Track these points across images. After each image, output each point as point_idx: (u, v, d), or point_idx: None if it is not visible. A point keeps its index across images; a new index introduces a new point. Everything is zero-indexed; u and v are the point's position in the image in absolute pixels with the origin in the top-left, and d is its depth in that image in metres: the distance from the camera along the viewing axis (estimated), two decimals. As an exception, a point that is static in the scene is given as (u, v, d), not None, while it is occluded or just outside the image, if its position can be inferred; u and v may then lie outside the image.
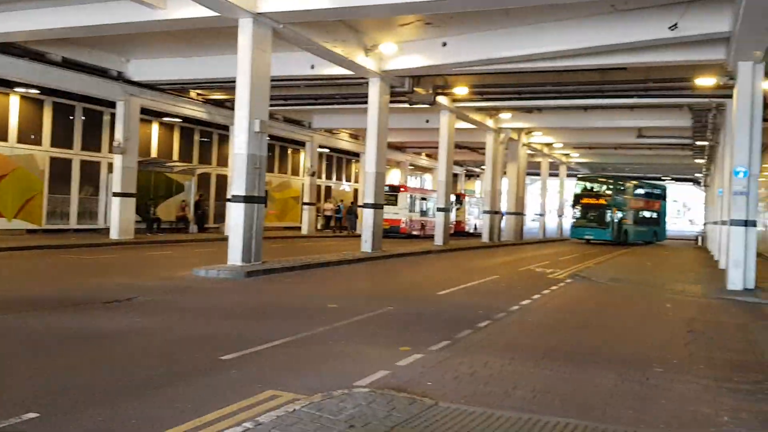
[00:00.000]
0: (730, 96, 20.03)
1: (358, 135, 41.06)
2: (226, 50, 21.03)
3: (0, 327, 8.68)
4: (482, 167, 47.22)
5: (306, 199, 37.38)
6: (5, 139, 23.68)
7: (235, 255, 15.97)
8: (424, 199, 40.48)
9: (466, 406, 5.74)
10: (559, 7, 16.59)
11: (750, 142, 16.16)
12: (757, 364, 8.16)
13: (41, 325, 8.84)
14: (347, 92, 26.28)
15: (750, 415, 6.00)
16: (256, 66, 15.94)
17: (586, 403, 6.15)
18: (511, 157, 38.43)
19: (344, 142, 41.30)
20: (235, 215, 16.16)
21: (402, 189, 38.94)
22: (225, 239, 17.81)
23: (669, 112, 29.14)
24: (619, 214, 40.64)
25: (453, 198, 38.11)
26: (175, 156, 31.43)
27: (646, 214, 45.60)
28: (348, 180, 46.46)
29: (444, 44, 19.62)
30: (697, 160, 42.86)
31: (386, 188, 28.22)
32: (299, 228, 37.69)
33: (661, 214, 48.54)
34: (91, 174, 26.91)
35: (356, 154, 44.72)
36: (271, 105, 20.18)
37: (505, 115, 32.70)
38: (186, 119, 30.53)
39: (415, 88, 23.59)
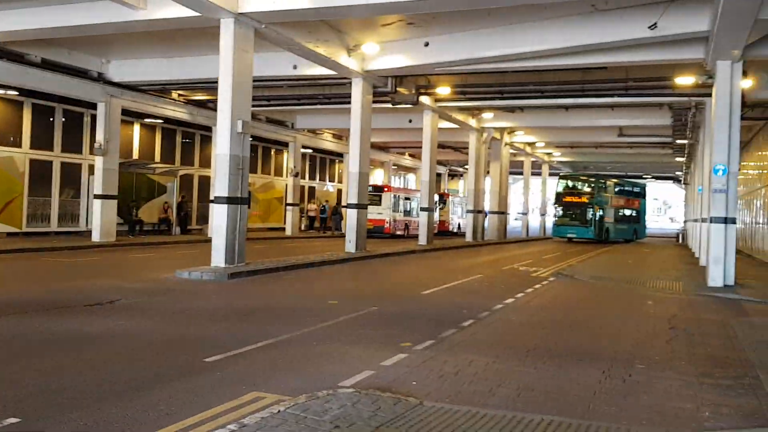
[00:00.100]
0: (709, 95, 20.24)
1: (341, 135, 41.02)
2: (207, 51, 20.97)
3: (-20, 331, 8.59)
4: (465, 167, 47.40)
5: (290, 200, 37.27)
6: (-16, 142, 23.45)
7: (218, 256, 15.90)
8: (407, 198, 40.54)
9: (450, 405, 5.76)
10: (540, 7, 16.66)
11: (729, 141, 16.33)
12: (737, 359, 8.25)
13: (22, 329, 8.75)
14: (330, 92, 26.24)
15: (731, 410, 6.07)
16: (238, 66, 15.88)
17: (570, 401, 6.20)
18: (493, 156, 38.55)
19: (327, 143, 41.25)
20: (218, 216, 16.10)
21: (386, 189, 38.96)
22: (208, 241, 17.74)
23: (649, 111, 29.36)
24: (601, 213, 40.95)
25: (437, 198, 38.18)
26: (157, 157, 31.23)
27: (627, 212, 46.00)
28: (332, 180, 46.41)
29: (426, 44, 19.66)
30: (677, 159, 43.22)
31: (370, 188, 28.23)
32: (283, 229, 37.60)
33: (641, 212, 48.99)
34: (72, 176, 26.69)
35: (340, 155, 44.69)
36: (254, 105, 20.16)
37: (487, 115, 32.81)
38: (168, 120, 30.36)
39: (397, 88, 23.61)
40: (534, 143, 43.37)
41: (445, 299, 12.93)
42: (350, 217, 22.72)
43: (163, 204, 30.80)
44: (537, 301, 13.10)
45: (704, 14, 15.05)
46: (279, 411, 5.33)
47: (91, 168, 25.99)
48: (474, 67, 20.63)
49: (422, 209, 30.17)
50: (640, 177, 63.07)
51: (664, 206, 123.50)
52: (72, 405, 5.61)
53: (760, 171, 26.99)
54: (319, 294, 13.20)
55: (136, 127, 30.08)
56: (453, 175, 65.55)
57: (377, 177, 49.42)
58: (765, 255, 24.46)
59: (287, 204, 37.68)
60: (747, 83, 18.49)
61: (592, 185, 42.25)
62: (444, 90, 25.32)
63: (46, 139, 25.73)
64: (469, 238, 35.09)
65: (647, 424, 5.60)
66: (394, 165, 51.88)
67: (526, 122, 33.67)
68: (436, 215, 38.81)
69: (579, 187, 42.81)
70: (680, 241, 46.63)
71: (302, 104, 28.90)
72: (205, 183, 32.67)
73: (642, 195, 49.74)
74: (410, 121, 32.26)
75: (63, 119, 26.30)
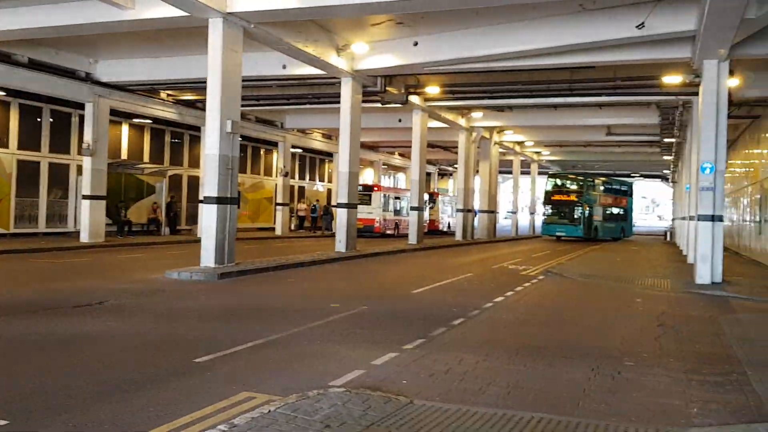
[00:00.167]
0: (696, 93, 20.38)
1: (331, 135, 40.98)
2: (196, 50, 20.88)
3: (-32, 333, 8.55)
4: (455, 166, 47.51)
5: (279, 200, 37.21)
6: (-29, 142, 23.30)
7: (207, 257, 15.86)
8: (397, 198, 40.57)
9: (441, 404, 5.78)
10: (528, 7, 16.71)
11: (716, 139, 16.45)
12: (725, 356, 8.31)
13: (11, 331, 8.71)
14: (319, 92, 26.24)
15: (719, 406, 6.12)
16: (227, 66, 15.85)
17: (560, 398, 6.23)
18: (483, 155, 38.63)
19: (317, 142, 41.21)
20: (208, 217, 16.06)
21: (376, 188, 38.96)
22: (197, 241, 17.69)
23: (637, 109, 29.51)
24: (590, 211, 41.09)
25: (426, 197, 38.23)
26: (146, 157, 31.10)
27: (615, 210, 46.12)
28: (321, 180, 46.37)
29: (415, 44, 19.68)
30: (664, 157, 43.45)
31: (360, 188, 28.21)
32: (273, 229, 37.54)
33: (628, 210, 49.14)
34: (60, 176, 26.54)
35: (329, 154, 44.67)
36: (243, 105, 20.11)
37: (476, 114, 32.88)
38: (156, 120, 30.25)
39: (387, 88, 23.62)
40: (523, 142, 43.49)
41: (435, 298, 12.95)
42: (340, 216, 22.72)
43: (152, 204, 30.67)
44: (526, 300, 13.15)
45: (691, 14, 15.14)
46: (269, 411, 5.33)
47: (80, 168, 25.85)
48: (463, 66, 20.67)
49: (412, 208, 30.19)
50: (629, 175, 63.35)
51: (653, 204, 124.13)
52: (61, 406, 5.59)
53: (747, 169, 27.18)
54: (310, 294, 13.20)
55: (125, 128, 29.95)
56: (443, 175, 65.65)
57: (367, 176, 49.42)
58: (752, 252, 24.64)
59: (277, 204, 37.62)
60: (733, 82, 18.61)
61: (581, 184, 42.35)
62: (433, 89, 25.37)
63: (34, 139, 25.58)
64: (458, 237, 35.15)
65: (636, 421, 5.63)
66: (383, 164, 51.91)
67: (515, 121, 33.75)
68: (426, 214, 38.87)
69: (568, 185, 42.90)
70: (668, 239, 46.89)
71: (292, 104, 28.88)
72: (194, 183, 32.57)
73: (629, 193, 49.95)
74: (400, 120, 32.29)
75: (51, 119, 26.15)
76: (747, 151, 27.44)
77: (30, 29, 18.14)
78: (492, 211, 40.56)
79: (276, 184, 38.24)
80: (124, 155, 29.69)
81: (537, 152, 49.60)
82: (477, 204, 39.78)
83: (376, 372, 6.94)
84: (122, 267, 17.56)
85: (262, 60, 20.86)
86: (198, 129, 30.90)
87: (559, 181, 43.56)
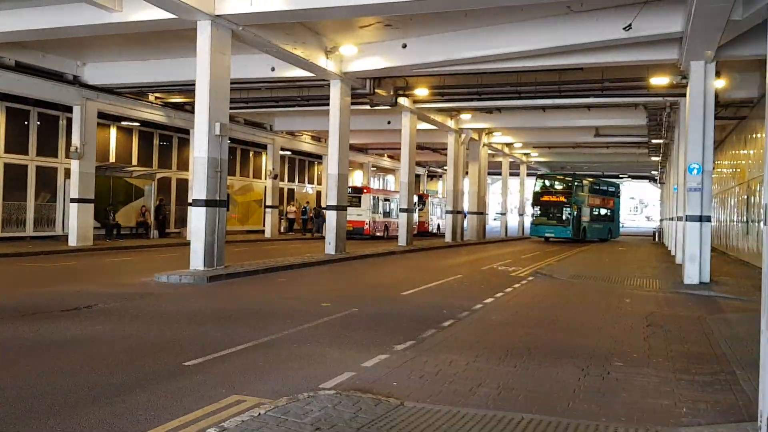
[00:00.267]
0: (683, 95, 20.50)
1: (320, 137, 41.02)
2: (184, 53, 20.88)
3: (-45, 338, 8.48)
4: (444, 168, 47.57)
5: (269, 202, 37.17)
6: (-43, 146, 23.12)
7: (197, 260, 15.82)
8: (387, 200, 40.57)
9: (431, 405, 5.79)
10: (516, 9, 16.78)
11: (703, 140, 16.56)
12: (713, 355, 8.36)
13: (-2, 335, 8.66)
14: (308, 94, 26.24)
15: (708, 406, 6.15)
16: (215, 69, 15.82)
17: (550, 399, 6.24)
18: (472, 157, 38.72)
19: (306, 145, 41.18)
20: (197, 220, 16.01)
21: (365, 190, 38.96)
22: (187, 244, 17.64)
23: (625, 111, 29.66)
24: (578, 212, 41.14)
25: (416, 199, 38.27)
26: (135, 160, 30.98)
27: (602, 211, 46.21)
28: (311, 182, 46.33)
29: (404, 46, 19.71)
30: (652, 158, 43.67)
31: (349, 190, 28.22)
32: (262, 231, 37.48)
33: (616, 211, 49.26)
34: (47, 180, 26.39)
35: (319, 156, 44.65)
36: (232, 108, 20.04)
37: (465, 116, 32.97)
38: (145, 123, 30.15)
39: (376, 90, 23.65)
40: (512, 144, 43.63)
41: (426, 300, 12.96)
42: (329, 218, 22.70)
43: (140, 207, 30.56)
44: (516, 301, 13.18)
45: (678, 16, 15.25)
46: (259, 414, 5.32)
47: (67, 172, 25.70)
48: (452, 68, 20.74)
49: (402, 210, 30.20)
50: (617, 177, 63.64)
51: (641, 205, 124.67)
52: (49, 411, 5.56)
53: (734, 170, 27.35)
54: (299, 296, 13.17)
55: (113, 130, 29.82)
56: (432, 176, 65.74)
57: (356, 178, 49.46)
58: (739, 252, 24.79)
59: (266, 206, 37.57)
60: (720, 83, 18.76)
61: (570, 184, 42.39)
62: (422, 91, 25.42)
63: (21, 142, 25.42)
64: (448, 238, 35.21)
65: (626, 421, 5.65)
66: (373, 166, 51.94)
67: (503, 123, 33.84)
68: (416, 216, 38.89)
69: (556, 186, 42.94)
70: (657, 239, 47.09)
71: (280, 106, 28.86)
72: (183, 186, 32.50)
73: (616, 194, 50.12)
74: (389, 122, 32.34)
75: (38, 123, 26.00)
76: (734, 151, 27.62)
77: (16, 32, 18.03)
78: (481, 213, 40.64)
79: (265, 187, 38.20)
80: (112, 158, 29.56)
81: (526, 154, 49.76)
82: (466, 206, 39.87)
83: (367, 374, 6.93)
84: (111, 270, 17.48)
85: (250, 62, 20.83)
86: (187, 132, 30.84)
87: (547, 182, 43.59)
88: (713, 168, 18.78)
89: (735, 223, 26.28)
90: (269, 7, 15.18)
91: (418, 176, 57.25)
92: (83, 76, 24.47)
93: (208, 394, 6.10)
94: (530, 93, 24.26)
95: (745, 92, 20.93)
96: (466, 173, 39.00)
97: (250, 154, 39.41)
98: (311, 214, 40.83)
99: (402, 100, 26.49)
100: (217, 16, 15.44)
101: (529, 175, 55.24)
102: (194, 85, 16.17)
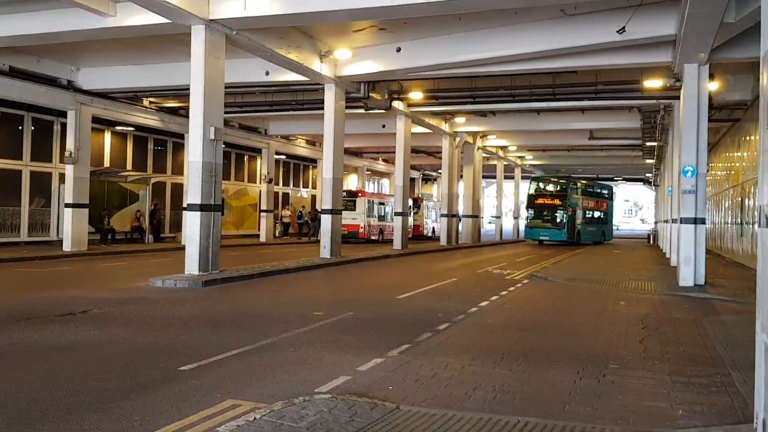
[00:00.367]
0: (677, 97, 20.58)
1: (315, 141, 41.03)
2: (179, 57, 20.86)
3: (-51, 344, 8.44)
4: (439, 171, 47.58)
5: (264, 207, 37.14)
6: (-49, 151, 23.04)
7: (192, 264, 15.79)
8: (382, 203, 40.57)
9: (427, 409, 5.78)
10: (510, 13, 16.82)
11: (697, 142, 16.60)
12: (708, 357, 8.37)
13: (-8, 341, 8.61)
14: (303, 98, 26.25)
15: (704, 408, 6.15)
16: (209, 73, 15.81)
17: (546, 402, 6.24)
18: (466, 160, 38.76)
19: (301, 149, 41.18)
20: (192, 224, 15.99)
21: (360, 194, 38.96)
22: (182, 248, 17.60)
23: (619, 114, 29.74)
24: (573, 215, 41.07)
25: (411, 202, 38.27)
26: (129, 165, 30.91)
27: (596, 214, 46.14)
28: (306, 186, 46.30)
29: (398, 50, 19.74)
30: (647, 161, 43.80)
31: (344, 194, 28.20)
32: (257, 235, 37.42)
33: (609, 214, 49.23)
34: (42, 185, 26.31)
35: (313, 160, 44.62)
36: (227, 112, 20.07)
37: (460, 119, 32.96)
38: (139, 128, 30.09)
39: (370, 94, 23.66)
40: (506, 147, 43.71)
41: (421, 303, 12.95)
42: (325, 222, 22.70)
43: (135, 212, 30.50)
44: (512, 304, 13.18)
45: (671, 18, 15.30)
46: (255, 418, 5.31)
47: (62, 177, 25.64)
48: (446, 71, 20.75)
49: (396, 214, 30.21)
50: (612, 179, 63.76)
51: (635, 208, 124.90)
52: (43, 417, 5.53)
53: (728, 172, 27.43)
54: (295, 300, 13.15)
55: (107, 135, 29.75)
56: (427, 180, 65.79)
57: (351, 182, 49.46)
58: (734, 254, 24.85)
59: (261, 210, 37.53)
60: (714, 86, 18.83)
61: (564, 187, 42.32)
62: (416, 95, 25.44)
63: (15, 147, 25.35)
64: (443, 242, 35.23)
65: (622, 424, 5.65)
66: (368, 170, 51.96)
67: (498, 126, 33.90)
68: (411, 220, 38.90)
69: (551, 188, 42.87)
70: (651, 242, 47.14)
71: (275, 110, 28.86)
72: (177, 190, 32.43)
73: (610, 197, 50.11)
74: (383, 126, 32.35)
75: (32, 127, 25.92)
76: (728, 153, 27.70)
77: (10, 37, 18.01)
78: (476, 216, 40.67)
79: (260, 191, 38.18)
80: (106, 163, 29.49)
81: (520, 157, 49.82)
82: (461, 209, 39.89)
83: (362, 378, 6.92)
84: (106, 275, 17.44)
85: (245, 66, 20.86)
86: (181, 136, 30.79)
87: (542, 185, 43.48)
88: (707, 170, 18.81)
89: (729, 225, 26.35)
90: (263, 12, 15.18)
91: (412, 180, 57.29)
92: (77, 81, 24.45)
93: (203, 398, 6.08)
94: (524, 96, 24.29)
95: (738, 94, 21.01)
96: (461, 176, 39.04)
97: (245, 159, 39.37)
98: (307, 218, 40.78)
99: (396, 104, 26.51)
100: (212, 20, 15.45)
101: (523, 178, 55.32)
102: (189, 89, 16.17)
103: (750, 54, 15.73)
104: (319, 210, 26.51)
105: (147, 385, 6.55)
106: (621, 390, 6.71)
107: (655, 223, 54.49)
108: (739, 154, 24.42)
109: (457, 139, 35.23)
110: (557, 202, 41.02)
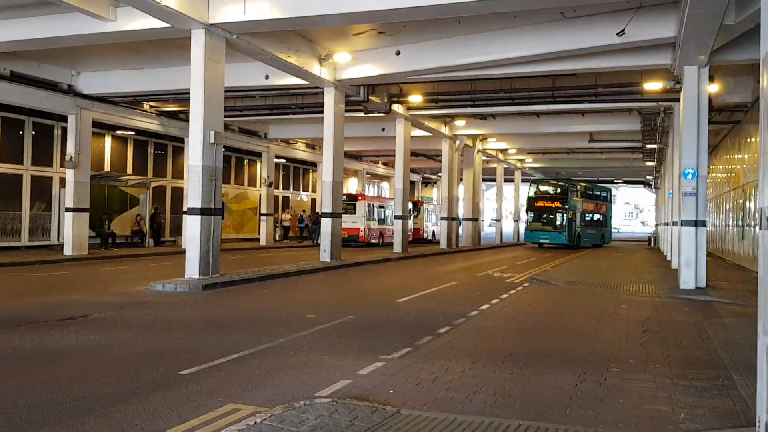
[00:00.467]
0: (677, 99, 20.58)
1: (314, 144, 41.05)
2: (179, 61, 20.89)
3: (-51, 349, 8.43)
4: (439, 174, 47.60)
5: (264, 210, 37.14)
6: (-49, 156, 23.06)
7: (192, 268, 15.78)
8: (382, 207, 40.57)
9: (428, 413, 5.77)
10: (509, 16, 16.82)
11: (697, 144, 16.59)
12: (710, 361, 8.35)
13: (-8, 346, 8.60)
14: (303, 102, 26.25)
15: (706, 411, 6.14)
16: (209, 77, 15.83)
17: (547, 405, 6.22)
18: (466, 163, 38.77)
19: (301, 152, 41.20)
20: (192, 228, 15.99)
21: (360, 198, 38.98)
22: (182, 252, 17.59)
23: (619, 116, 29.73)
24: (573, 217, 40.89)
25: (411, 205, 38.25)
26: (129, 169, 30.93)
27: (596, 216, 45.90)
28: (306, 190, 46.31)
29: (398, 53, 19.74)
30: (647, 163, 43.76)
31: (344, 197, 28.21)
32: (257, 239, 37.42)
33: (608, 216, 49.03)
34: (42, 189, 26.32)
35: (313, 164, 44.65)
36: (227, 116, 20.09)
37: (459, 122, 32.98)
38: (140, 132, 30.12)
39: (370, 97, 23.67)
40: (506, 150, 43.69)
41: (421, 307, 12.94)
42: (324, 226, 22.70)
43: (135, 216, 30.50)
44: (512, 307, 13.16)
45: (670, 21, 15.30)
46: (255, 422, 5.30)
47: (62, 181, 25.65)
48: (445, 75, 20.76)
49: (396, 217, 30.21)
50: (612, 182, 63.74)
51: (636, 210, 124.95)
52: (44, 421, 5.52)
53: (729, 174, 27.42)
54: (295, 304, 13.14)
55: (108, 139, 29.78)
56: (426, 183, 65.80)
57: (351, 186, 49.47)
58: (735, 257, 24.83)
59: (261, 214, 37.54)
60: (714, 88, 18.81)
61: (564, 189, 42.17)
62: (416, 98, 25.44)
63: (16, 152, 25.36)
64: (443, 245, 35.22)
65: (624, 427, 5.64)
66: (367, 173, 51.97)
67: (497, 129, 33.90)
68: (411, 223, 38.88)
69: (551, 191, 42.69)
70: (652, 244, 47.09)
71: (275, 114, 28.86)
72: (178, 194, 32.44)
73: (609, 199, 49.95)
74: (383, 129, 32.36)
75: (33, 132, 25.94)
76: (728, 156, 27.69)
77: (11, 42, 18.02)
78: (476, 219, 40.66)
79: (260, 195, 38.18)
80: (107, 167, 29.52)
81: (520, 160, 49.81)
82: (461, 212, 39.89)
83: (363, 382, 6.91)
84: (106, 279, 17.43)
85: (244, 70, 20.87)
86: (181, 140, 30.80)
87: (542, 187, 43.26)
88: (708, 172, 18.80)
89: (730, 227, 26.32)
90: (263, 16, 15.20)
91: (412, 183, 57.29)
92: (78, 86, 24.47)
93: (203, 402, 6.07)
94: (524, 99, 24.28)
95: (739, 96, 21.00)
96: (461, 180, 39.04)
97: (245, 162, 39.40)
98: (308, 222, 40.74)
99: (396, 107, 26.52)
100: (211, 24, 15.46)
101: (523, 181, 55.31)
102: (189, 93, 16.20)
103: (750, 56, 15.73)
104: (320, 213, 26.59)
105: (147, 389, 6.54)
106: (622, 393, 6.69)
107: (656, 225, 54.47)
108: (740, 156, 24.41)
109: (457, 142, 35.24)
110: (557, 204, 40.76)
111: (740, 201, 23.25)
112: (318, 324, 10.37)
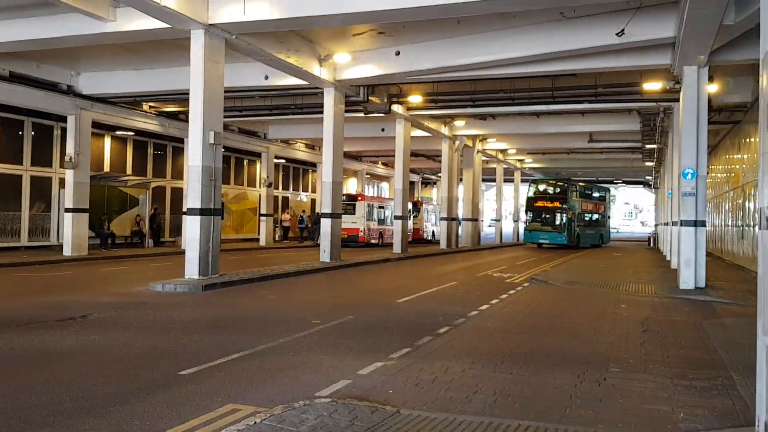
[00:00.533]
0: (676, 100, 20.58)
1: (314, 145, 41.05)
2: (178, 62, 20.89)
3: (-51, 349, 8.43)
4: (438, 175, 47.60)
5: (263, 211, 37.14)
6: (-49, 156, 23.05)
7: (192, 268, 15.78)
8: (381, 207, 40.56)
9: (428, 413, 5.77)
10: (509, 16, 16.82)
11: (697, 144, 16.60)
12: (710, 360, 8.35)
13: (-8, 346, 8.60)
14: (302, 102, 26.24)
15: (705, 411, 6.13)
16: (209, 77, 15.83)
17: (546, 405, 6.22)
18: (466, 164, 38.77)
19: (301, 153, 41.20)
20: (191, 228, 15.99)
21: (359, 198, 38.97)
22: (182, 253, 17.59)
23: (619, 116, 29.73)
24: (573, 217, 40.83)
25: (410, 206, 38.24)
26: (129, 170, 30.93)
27: (595, 216, 45.84)
28: (305, 190, 46.31)
29: (397, 53, 19.74)
30: (647, 163, 43.75)
31: (344, 197, 28.21)
32: (257, 239, 37.42)
33: (606, 216, 48.97)
34: (42, 190, 26.32)
35: (313, 164, 44.65)
36: (226, 116, 20.07)
37: (459, 123, 33.00)
38: (139, 132, 30.13)
39: (369, 97, 23.67)
40: (506, 150, 43.69)
41: (421, 307, 12.94)
42: (324, 226, 22.70)
43: (135, 216, 30.50)
44: (512, 307, 13.16)
45: (670, 21, 15.31)
46: (255, 423, 5.30)
47: (62, 181, 25.65)
48: (445, 75, 20.76)
49: (396, 217, 30.21)
50: (611, 182, 63.72)
51: (635, 210, 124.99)
52: (43, 422, 5.52)
53: (728, 174, 27.43)
54: (295, 304, 13.14)
55: (107, 140, 29.78)
56: (426, 183, 65.79)
57: (351, 186, 49.47)
58: (734, 257, 24.83)
59: (261, 214, 37.53)
60: (713, 88, 18.82)
61: (563, 189, 42.13)
62: (416, 98, 25.44)
63: (16, 152, 25.36)
64: (443, 245, 35.21)
65: (623, 427, 5.64)
66: (367, 174, 51.97)
67: (497, 129, 33.89)
68: (410, 223, 38.88)
69: (550, 191, 42.65)
70: (651, 244, 47.07)
71: (274, 114, 28.85)
72: (177, 195, 32.44)
73: (608, 199, 49.91)
74: (383, 129, 32.35)
75: (32, 132, 25.94)
76: (728, 156, 27.70)
77: (10, 42, 18.01)
78: (476, 219, 40.65)
79: (260, 195, 38.18)
80: (106, 168, 29.52)
81: (520, 160, 49.81)
82: (461, 212, 39.89)
83: (363, 382, 6.91)
84: (106, 280, 17.42)
85: (244, 71, 20.87)
86: (181, 140, 30.80)
87: (541, 187, 43.21)
88: (707, 172, 18.81)
89: (730, 227, 26.33)
90: (263, 16, 15.20)
91: (412, 183, 57.29)
92: (77, 86, 24.47)
93: (203, 403, 6.07)
94: (524, 99, 24.29)
95: (738, 96, 21.02)
96: (461, 180, 39.04)
97: (245, 163, 39.40)
98: (308, 222, 40.71)
99: (396, 108, 26.52)
100: (211, 25, 15.46)
101: (523, 181, 55.29)
102: (188, 93, 16.20)
103: (749, 56, 15.73)
104: (319, 214, 26.62)
105: (147, 390, 6.54)
106: (622, 393, 6.69)
107: (655, 225, 54.45)
108: (739, 156, 24.42)
109: (457, 143, 35.24)
110: (556, 205, 40.66)
111: (740, 201, 23.26)
112: (318, 324, 10.37)
